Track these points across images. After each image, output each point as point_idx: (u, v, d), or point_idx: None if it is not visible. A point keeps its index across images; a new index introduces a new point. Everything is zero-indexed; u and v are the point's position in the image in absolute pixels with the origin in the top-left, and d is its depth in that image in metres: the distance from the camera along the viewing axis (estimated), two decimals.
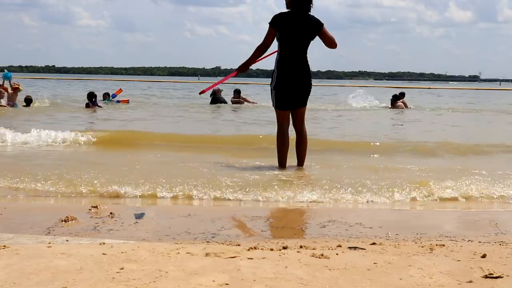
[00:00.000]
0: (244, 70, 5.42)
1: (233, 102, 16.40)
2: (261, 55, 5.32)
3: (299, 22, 5.08)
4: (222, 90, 17.01)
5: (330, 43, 5.22)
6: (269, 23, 5.14)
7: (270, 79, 5.28)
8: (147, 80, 62.00)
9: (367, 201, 3.99)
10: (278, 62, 5.14)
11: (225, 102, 16.37)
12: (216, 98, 16.32)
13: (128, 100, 16.97)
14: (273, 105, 5.30)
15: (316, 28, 5.11)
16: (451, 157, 6.56)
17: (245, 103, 16.42)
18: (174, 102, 18.79)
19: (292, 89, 5.14)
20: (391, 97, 16.32)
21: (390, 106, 16.07)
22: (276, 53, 5.23)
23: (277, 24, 5.10)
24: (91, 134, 7.67)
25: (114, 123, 10.53)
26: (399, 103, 15.84)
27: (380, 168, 5.26)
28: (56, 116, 11.55)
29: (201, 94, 5.65)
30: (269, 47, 5.25)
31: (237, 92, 16.86)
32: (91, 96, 14.01)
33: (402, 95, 16.42)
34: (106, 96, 16.36)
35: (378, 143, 7.33)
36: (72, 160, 5.82)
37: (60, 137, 7.28)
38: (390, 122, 12.67)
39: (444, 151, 6.91)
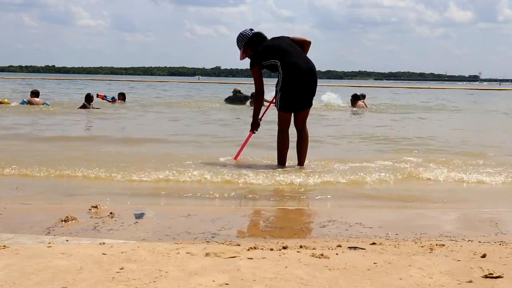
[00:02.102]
0: (257, 127, 5.45)
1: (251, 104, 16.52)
2: (262, 102, 5.36)
3: (277, 38, 5.21)
4: (242, 93, 17.26)
5: (302, 41, 5.24)
6: (254, 65, 5.15)
7: (276, 79, 5.21)
8: (147, 80, 61.98)
9: None
10: (283, 65, 5.08)
11: (243, 102, 16.46)
12: (237, 97, 16.63)
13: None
14: (276, 107, 5.26)
15: (290, 40, 5.19)
16: None
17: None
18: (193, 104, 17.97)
19: (298, 92, 5.11)
20: (350, 97, 16.77)
21: (351, 105, 16.48)
22: (275, 98, 5.22)
23: (266, 54, 5.13)
24: None
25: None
26: (360, 102, 16.29)
27: None
28: None
29: (237, 159, 5.50)
30: (263, 88, 5.26)
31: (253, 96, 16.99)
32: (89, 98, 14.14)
33: (362, 96, 16.95)
34: (120, 96, 16.75)
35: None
36: None
37: None
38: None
39: None
